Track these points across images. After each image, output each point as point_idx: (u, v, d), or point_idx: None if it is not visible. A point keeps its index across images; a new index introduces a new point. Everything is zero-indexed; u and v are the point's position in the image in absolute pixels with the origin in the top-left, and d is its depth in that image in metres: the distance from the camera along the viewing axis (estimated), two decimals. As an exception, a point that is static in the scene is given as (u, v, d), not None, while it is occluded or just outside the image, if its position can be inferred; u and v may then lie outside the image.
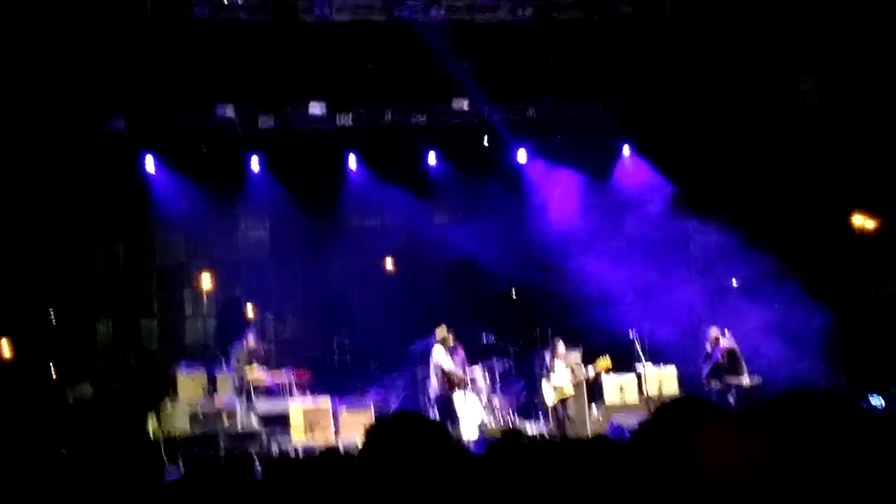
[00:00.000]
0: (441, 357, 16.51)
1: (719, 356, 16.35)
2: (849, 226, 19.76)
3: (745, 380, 16.30)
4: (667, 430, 3.27)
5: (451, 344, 16.72)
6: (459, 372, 16.49)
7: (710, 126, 19.99)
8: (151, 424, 16.57)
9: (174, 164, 19.91)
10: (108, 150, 19.25)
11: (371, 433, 3.08)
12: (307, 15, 18.38)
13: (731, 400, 16.19)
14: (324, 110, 19.70)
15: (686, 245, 20.84)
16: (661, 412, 3.52)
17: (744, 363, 16.41)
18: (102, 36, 17.31)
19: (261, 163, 20.61)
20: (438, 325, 17.44)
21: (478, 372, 17.27)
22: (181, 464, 14.64)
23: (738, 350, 16.42)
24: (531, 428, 16.61)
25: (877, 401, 14.92)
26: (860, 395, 15.43)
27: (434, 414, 16.03)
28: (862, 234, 19.77)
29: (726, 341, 16.52)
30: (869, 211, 19.68)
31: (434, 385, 16.68)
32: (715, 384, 16.32)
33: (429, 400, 16.96)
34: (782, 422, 2.49)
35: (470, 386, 17.00)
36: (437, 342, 16.61)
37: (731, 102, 19.55)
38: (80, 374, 17.60)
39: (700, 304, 18.33)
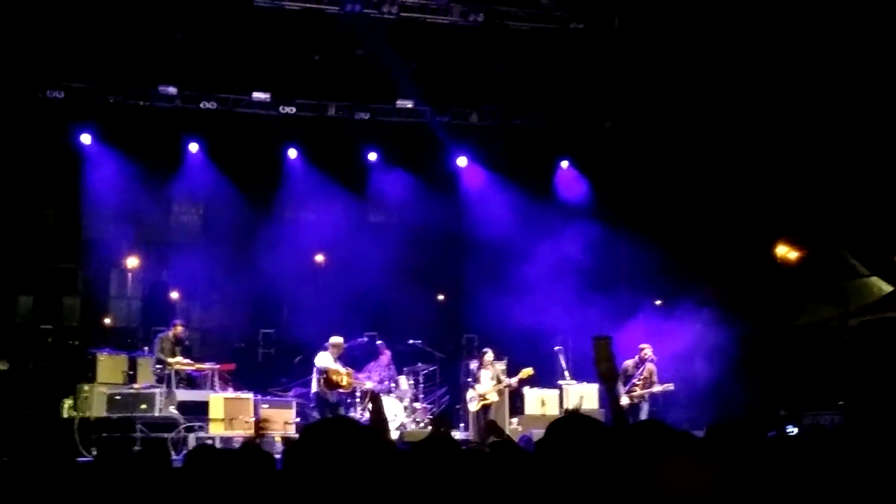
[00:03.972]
0: (323, 359, 16.49)
1: (640, 373, 16.46)
2: (772, 256, 20.09)
3: (658, 387, 16.44)
4: (558, 447, 3.34)
5: (341, 355, 16.70)
6: (337, 375, 16.44)
7: (647, 147, 20.19)
8: (67, 405, 16.29)
9: (111, 139, 19.58)
10: (44, 119, 18.89)
11: (301, 437, 3.05)
12: (260, -1, 18.28)
13: (643, 412, 16.34)
14: (268, 98, 19.57)
15: (615, 263, 21.02)
16: (552, 429, 3.61)
17: (656, 381, 16.54)
18: (50, 5, 17.06)
19: (200, 147, 20.37)
20: (364, 326, 17.42)
21: (402, 377, 17.26)
22: (95, 446, 14.47)
23: (655, 368, 16.57)
24: (452, 435, 16.61)
25: (790, 428, 15.17)
26: (775, 422, 15.68)
27: (315, 413, 16.06)
28: (784, 264, 20.10)
29: (649, 359, 16.64)
30: (792, 242, 20.03)
31: (313, 384, 16.65)
32: (628, 399, 16.39)
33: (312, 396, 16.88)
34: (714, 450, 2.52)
35: (394, 389, 17.04)
36: (327, 348, 16.57)
37: (669, 125, 19.77)
38: (-4, 349, 17.27)
39: (625, 321, 18.46)
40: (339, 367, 16.43)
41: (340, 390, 16.40)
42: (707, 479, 2.38)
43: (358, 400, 16.71)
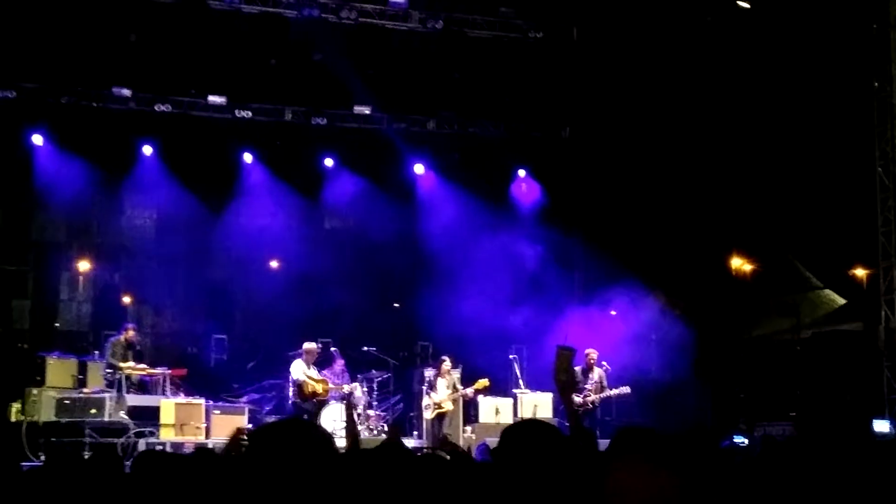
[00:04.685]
0: (295, 369, 16.41)
1: (591, 378, 16.48)
2: (727, 267, 20.26)
3: (613, 392, 16.48)
4: (514, 453, 3.31)
5: (316, 360, 16.60)
6: (313, 384, 16.35)
7: (604, 156, 20.28)
8: (15, 408, 16.03)
9: (64, 141, 19.30)
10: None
11: (254, 436, 2.99)
12: (216, 2, 18.14)
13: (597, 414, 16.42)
14: (223, 102, 19.43)
15: (571, 272, 21.07)
16: (505, 435, 3.59)
17: (607, 386, 16.57)
18: (3, 4, 16.83)
19: (154, 149, 20.14)
20: (318, 332, 17.31)
21: (356, 384, 17.16)
22: (42, 451, 14.25)
23: (604, 373, 16.61)
24: (406, 443, 16.54)
25: (741, 439, 15.25)
26: (726, 432, 15.77)
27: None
28: (739, 276, 20.27)
29: (596, 364, 16.67)
30: (746, 254, 20.22)
31: (290, 394, 16.59)
32: (581, 404, 16.39)
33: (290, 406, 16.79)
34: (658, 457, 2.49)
35: (349, 397, 16.91)
36: (301, 355, 16.49)
37: (627, 135, 19.87)
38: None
39: (580, 332, 18.50)
40: (313, 374, 16.32)
41: (317, 399, 16.30)
42: (665, 486, 2.35)
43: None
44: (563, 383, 15.88)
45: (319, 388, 16.27)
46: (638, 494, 2.34)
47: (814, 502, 3.33)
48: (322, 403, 16.41)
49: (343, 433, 15.89)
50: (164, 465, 4.97)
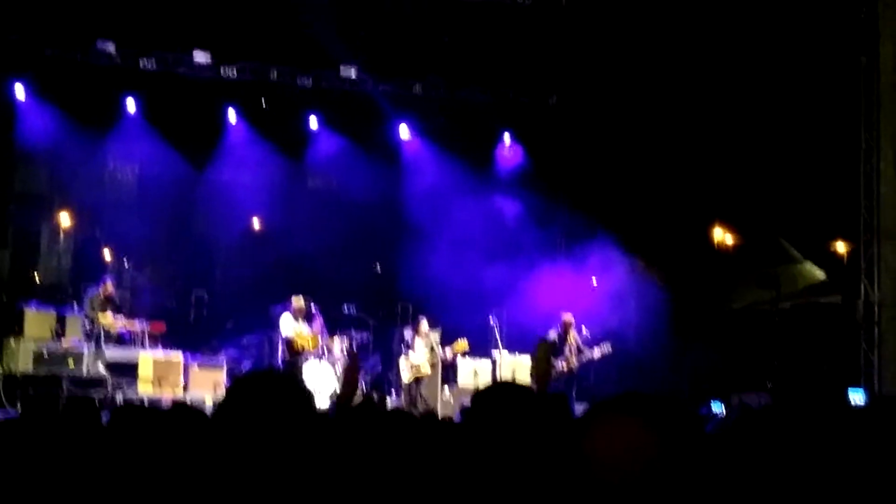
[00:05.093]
0: (284, 324, 16.42)
1: (567, 342, 16.48)
2: (709, 239, 20.32)
3: (595, 353, 16.48)
4: (485, 415, 3.33)
5: (304, 314, 16.60)
6: (303, 340, 16.37)
7: (590, 124, 20.27)
8: (-9, 359, 16.01)
9: (46, 93, 19.15)
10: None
11: (233, 388, 2.98)
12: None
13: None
14: (208, 59, 19.27)
15: (554, 237, 21.11)
16: (477, 398, 3.60)
17: (585, 349, 16.58)
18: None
19: (137, 105, 20.03)
20: (298, 291, 17.30)
21: (335, 343, 17.15)
22: (20, 402, 14.24)
23: (581, 341, 16.63)
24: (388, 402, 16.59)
25: (717, 408, 15.36)
26: (703, 400, 15.88)
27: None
28: (721, 248, 20.34)
29: (574, 330, 16.69)
30: (728, 226, 20.28)
31: (280, 350, 16.64)
32: (561, 370, 16.41)
33: (280, 363, 16.82)
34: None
35: (326, 355, 16.90)
36: (289, 309, 16.49)
37: (614, 104, 19.84)
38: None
39: (561, 296, 18.55)
40: (303, 329, 16.32)
41: (308, 353, 16.31)
42: (642, 442, 2.36)
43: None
44: (539, 375, 15.96)
45: (309, 343, 16.27)
46: (614, 450, 2.35)
47: (788, 466, 3.37)
48: (319, 358, 16.45)
49: (326, 392, 15.98)
50: (141, 419, 4.98)
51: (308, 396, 3.00)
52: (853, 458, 3.43)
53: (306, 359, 16.44)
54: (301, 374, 15.86)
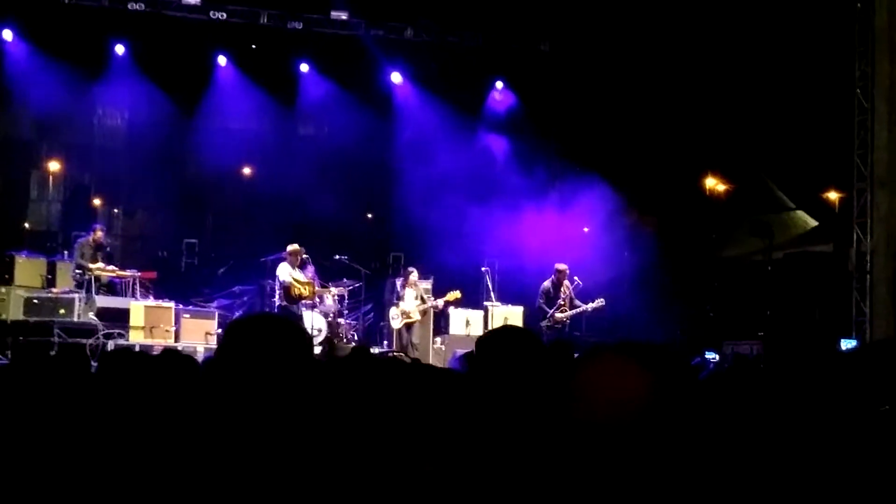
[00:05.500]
0: (282, 271, 16.37)
1: (562, 292, 16.45)
2: (701, 188, 20.28)
3: (589, 306, 16.47)
4: (491, 360, 3.31)
5: (300, 262, 16.54)
6: (300, 286, 16.32)
7: (583, 72, 20.11)
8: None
9: (34, 37, 18.89)
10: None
11: (233, 328, 2.92)
12: None
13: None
14: (198, 2, 19.02)
15: (545, 187, 21.01)
16: (481, 343, 3.59)
17: (578, 302, 16.57)
18: None
19: (126, 49, 19.76)
20: (291, 240, 17.23)
21: (327, 292, 17.10)
22: (10, 350, 14.20)
23: (573, 292, 16.59)
24: (376, 351, 16.58)
25: (711, 355, 15.41)
26: (696, 348, 15.92)
27: None
28: (713, 196, 20.31)
29: (567, 281, 16.64)
30: (720, 175, 20.23)
31: (276, 298, 16.60)
32: (553, 320, 16.39)
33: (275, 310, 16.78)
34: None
35: (319, 305, 16.83)
36: (285, 257, 16.43)
37: (606, 52, 19.68)
38: None
39: (554, 245, 18.52)
40: (300, 276, 16.25)
41: (304, 301, 16.27)
42: (636, 382, 2.32)
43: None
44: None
45: (306, 290, 16.24)
46: (608, 389, 2.31)
47: (780, 412, 3.36)
48: (311, 308, 16.41)
49: (317, 341, 15.98)
50: (131, 363, 4.94)
51: (308, 339, 2.97)
52: (844, 402, 3.43)
53: (302, 307, 16.40)
54: (298, 319, 15.82)
